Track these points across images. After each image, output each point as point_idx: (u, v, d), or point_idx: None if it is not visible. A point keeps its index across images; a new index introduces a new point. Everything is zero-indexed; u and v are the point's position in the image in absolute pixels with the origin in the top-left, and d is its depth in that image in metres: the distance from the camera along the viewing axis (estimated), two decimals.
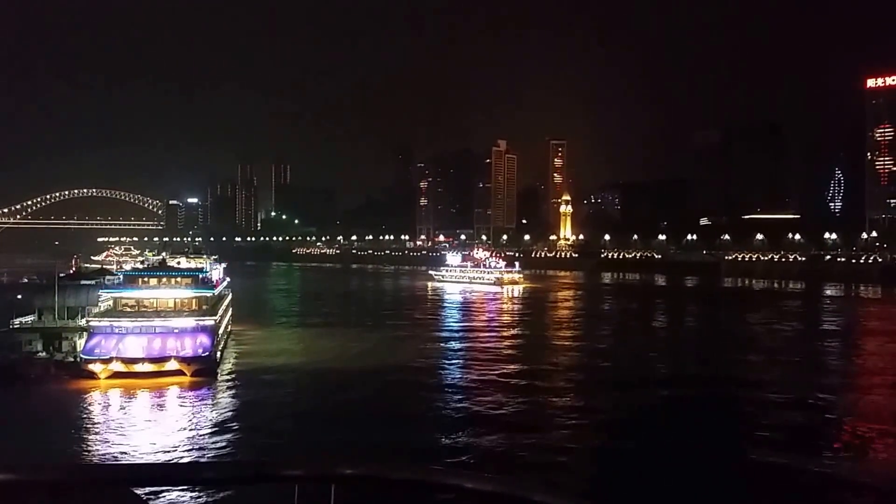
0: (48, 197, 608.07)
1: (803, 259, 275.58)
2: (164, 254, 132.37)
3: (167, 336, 78.10)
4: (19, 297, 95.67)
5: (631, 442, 52.09)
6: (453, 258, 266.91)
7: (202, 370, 74.74)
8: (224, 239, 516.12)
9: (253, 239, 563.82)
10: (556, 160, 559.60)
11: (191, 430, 57.21)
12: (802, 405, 64.13)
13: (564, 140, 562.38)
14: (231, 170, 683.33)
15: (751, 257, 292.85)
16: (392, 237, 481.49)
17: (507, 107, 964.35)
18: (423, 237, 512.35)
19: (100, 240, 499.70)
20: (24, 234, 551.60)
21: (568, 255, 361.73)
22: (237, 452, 50.85)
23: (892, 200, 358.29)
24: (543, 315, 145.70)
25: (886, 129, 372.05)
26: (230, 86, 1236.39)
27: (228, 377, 77.34)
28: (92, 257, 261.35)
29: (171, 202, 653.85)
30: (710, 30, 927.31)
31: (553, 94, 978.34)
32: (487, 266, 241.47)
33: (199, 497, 38.37)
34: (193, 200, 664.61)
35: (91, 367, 73.25)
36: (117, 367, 73.38)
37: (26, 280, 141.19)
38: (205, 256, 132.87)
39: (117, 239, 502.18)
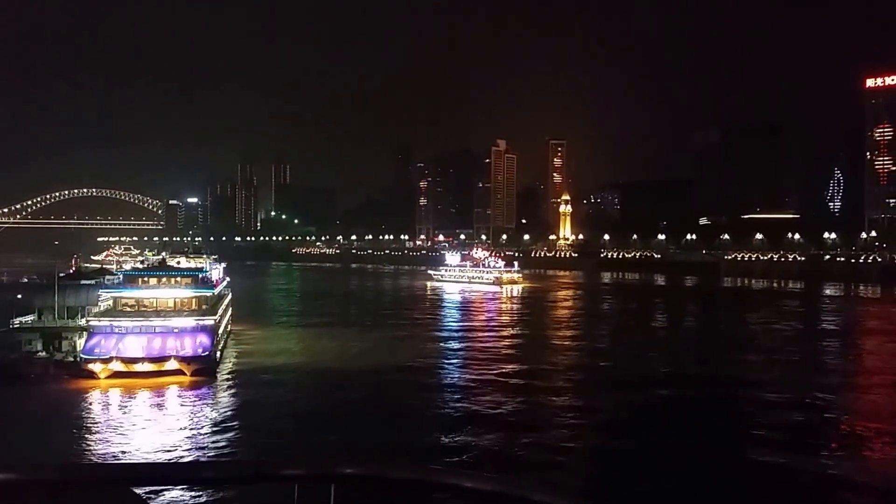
0: (48, 197, 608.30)
1: (803, 259, 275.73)
2: (163, 253, 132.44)
3: (167, 336, 78.21)
4: (19, 296, 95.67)
5: (630, 442, 52.13)
6: (452, 258, 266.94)
7: (202, 370, 74.83)
8: (224, 239, 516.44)
9: (253, 239, 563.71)
10: (555, 160, 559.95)
11: (191, 429, 57.28)
12: (801, 405, 64.16)
13: (564, 140, 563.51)
14: (231, 169, 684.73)
15: (750, 257, 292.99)
16: (392, 237, 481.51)
17: (506, 107, 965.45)
18: (422, 237, 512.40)
19: (100, 239, 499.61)
20: (23, 233, 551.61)
21: (567, 255, 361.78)
22: (237, 452, 50.92)
23: (891, 200, 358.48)
24: (543, 315, 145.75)
25: (886, 129, 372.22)
26: (230, 86, 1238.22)
27: (228, 377, 77.42)
28: (92, 257, 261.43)
29: (170, 202, 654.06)
30: (709, 30, 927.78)
31: (553, 94, 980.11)
32: (487, 266, 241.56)
33: (199, 497, 38.46)
34: (193, 200, 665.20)
35: (91, 366, 73.35)
36: (117, 366, 73.48)
37: (26, 280, 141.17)
38: (204, 256, 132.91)
39: (117, 239, 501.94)
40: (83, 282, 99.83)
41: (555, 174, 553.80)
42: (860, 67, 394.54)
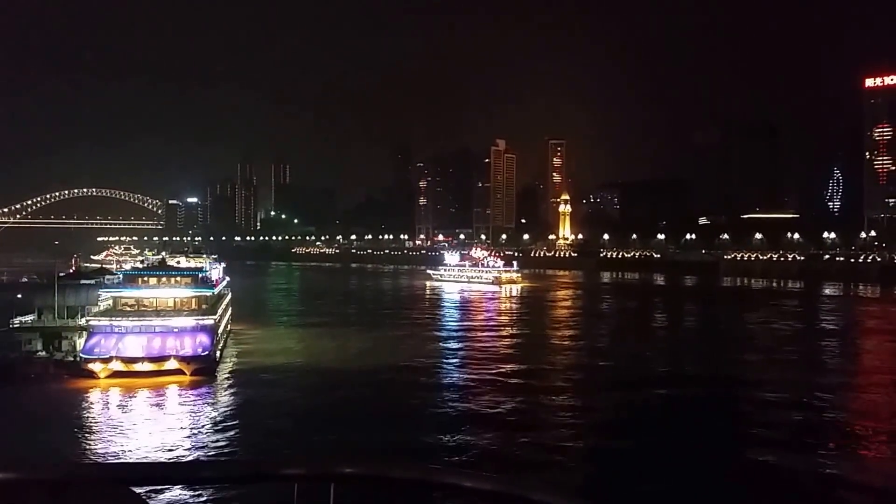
0: (48, 196, 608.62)
1: (802, 258, 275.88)
2: (163, 253, 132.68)
3: (167, 335, 78.33)
4: (19, 296, 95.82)
5: (630, 441, 52.21)
6: (452, 257, 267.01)
7: (202, 369, 74.93)
8: (224, 238, 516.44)
9: (252, 238, 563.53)
10: (555, 160, 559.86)
11: (190, 429, 57.38)
12: (801, 405, 64.23)
13: (563, 140, 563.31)
14: (231, 169, 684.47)
15: (750, 257, 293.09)
16: (391, 237, 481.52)
17: (506, 106, 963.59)
18: (422, 237, 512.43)
19: (99, 239, 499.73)
20: (23, 233, 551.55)
21: (567, 255, 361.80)
22: (237, 452, 51.03)
23: (890, 200, 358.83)
24: (542, 314, 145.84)
25: (885, 129, 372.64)
26: (230, 85, 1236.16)
27: (228, 376, 77.54)
28: (92, 257, 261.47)
29: (170, 202, 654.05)
30: (709, 30, 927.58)
31: (552, 94, 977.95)
32: (486, 265, 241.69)
33: (199, 496, 38.55)
34: (193, 200, 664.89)
35: (91, 366, 73.44)
36: (117, 366, 73.57)
37: (26, 279, 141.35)
38: (204, 256, 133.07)
39: (117, 238, 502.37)
40: (83, 281, 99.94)
41: (554, 174, 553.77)
42: (859, 67, 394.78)
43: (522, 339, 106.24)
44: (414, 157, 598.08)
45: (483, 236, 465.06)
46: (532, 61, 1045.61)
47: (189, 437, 55.12)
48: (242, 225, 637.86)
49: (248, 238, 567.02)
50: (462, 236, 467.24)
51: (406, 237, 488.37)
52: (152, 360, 75.00)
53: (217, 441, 53.52)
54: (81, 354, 75.52)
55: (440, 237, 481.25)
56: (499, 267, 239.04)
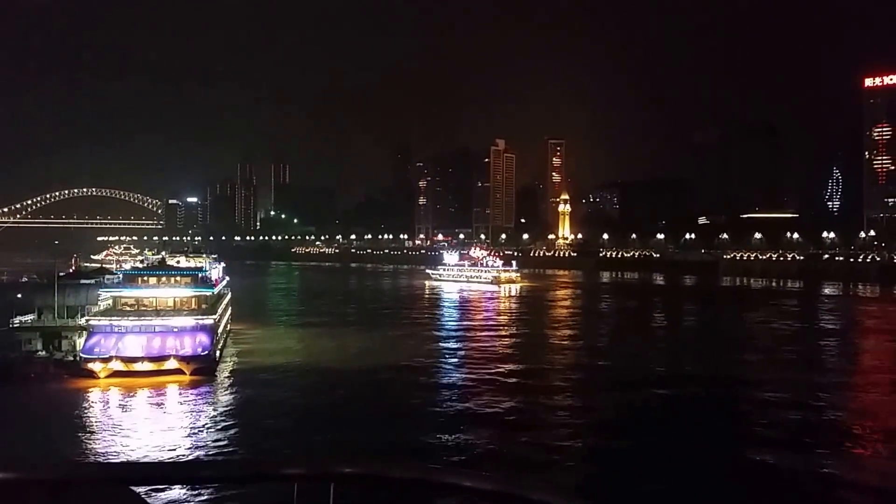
0: (48, 196, 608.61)
1: (801, 258, 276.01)
2: (163, 253, 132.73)
3: (166, 335, 78.42)
4: (19, 296, 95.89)
5: (629, 441, 52.29)
6: (451, 257, 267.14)
7: (201, 369, 75.00)
8: (223, 238, 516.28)
9: (252, 238, 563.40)
10: (554, 159, 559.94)
11: (190, 428, 57.45)
12: (800, 404, 64.28)
13: (563, 139, 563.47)
14: (230, 169, 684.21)
15: (749, 256, 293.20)
16: (391, 236, 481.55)
17: (505, 106, 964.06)
18: (421, 236, 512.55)
19: (99, 239, 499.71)
20: (23, 233, 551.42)
21: (566, 254, 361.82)
22: (236, 451, 51.10)
23: (890, 199, 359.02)
24: (541, 314, 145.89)
25: (884, 129, 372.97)
26: (230, 85, 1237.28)
27: (228, 376, 77.61)
28: (91, 256, 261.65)
29: (170, 201, 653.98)
30: (709, 29, 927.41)
31: (552, 94, 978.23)
32: (485, 265, 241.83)
33: (199, 496, 38.60)
34: (193, 200, 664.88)
35: (91, 366, 73.51)
36: (117, 365, 73.64)
37: (26, 279, 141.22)
38: (204, 255, 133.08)
39: (117, 238, 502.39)
40: (83, 281, 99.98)
41: (554, 173, 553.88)
42: (859, 67, 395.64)
43: (521, 339, 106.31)
44: (414, 157, 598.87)
45: (483, 236, 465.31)
46: (532, 61, 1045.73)
47: (189, 436, 55.19)
48: (242, 225, 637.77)
49: (247, 238, 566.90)
50: (462, 236, 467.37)
51: (406, 237, 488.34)
52: (152, 359, 75.08)
53: (217, 441, 53.59)
54: (81, 354, 75.58)
55: (440, 237, 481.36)
56: (498, 267, 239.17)
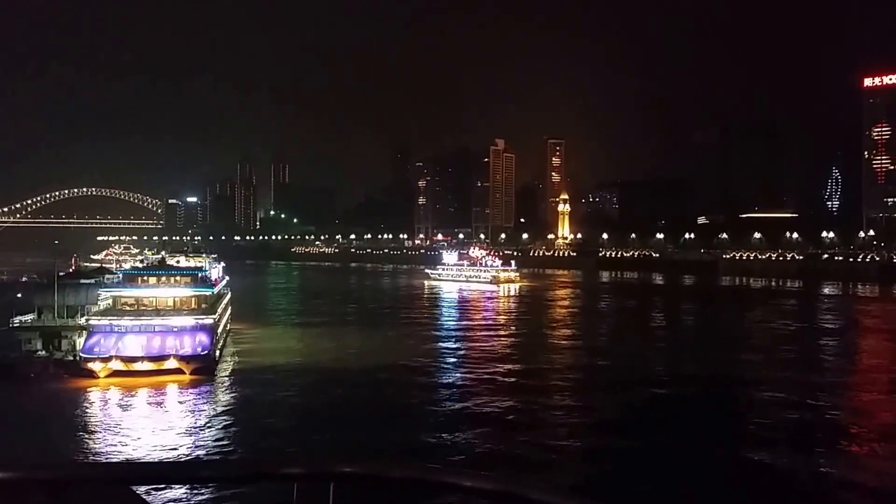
0: (47, 196, 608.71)
1: (801, 258, 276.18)
2: (163, 253, 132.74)
3: (166, 335, 78.50)
4: (19, 295, 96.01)
5: (629, 441, 52.32)
6: (450, 257, 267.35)
7: (201, 368, 75.08)
8: (223, 238, 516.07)
9: (252, 238, 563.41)
10: (553, 159, 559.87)
11: (190, 428, 57.51)
12: (799, 404, 64.33)
13: (562, 139, 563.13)
14: (230, 169, 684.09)
15: (748, 256, 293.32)
16: (391, 236, 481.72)
17: (505, 106, 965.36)
18: (421, 236, 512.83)
19: (99, 239, 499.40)
20: (23, 233, 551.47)
21: (566, 254, 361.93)
22: (236, 451, 51.21)
23: (889, 199, 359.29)
24: (540, 313, 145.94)
25: (884, 129, 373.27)
26: (229, 85, 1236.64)
27: (227, 376, 77.68)
28: (91, 256, 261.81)
29: (170, 201, 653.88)
30: (709, 29, 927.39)
31: (551, 94, 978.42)
32: (484, 265, 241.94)
33: (199, 495, 38.67)
34: (193, 199, 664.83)
35: (90, 365, 73.56)
36: (117, 365, 73.69)
37: (26, 279, 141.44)
38: (204, 255, 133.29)
39: (117, 238, 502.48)
40: (83, 281, 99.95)
41: (553, 173, 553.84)
42: (858, 67, 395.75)
43: (520, 339, 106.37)
44: (413, 157, 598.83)
45: (482, 236, 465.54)
46: (532, 61, 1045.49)
47: (189, 436, 55.25)
48: (242, 224, 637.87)
49: (247, 237, 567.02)
50: (461, 236, 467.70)
51: (405, 237, 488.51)
52: (152, 359, 75.16)
53: (217, 440, 53.70)
54: (81, 354, 75.64)
55: (439, 236, 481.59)
56: (497, 266, 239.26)
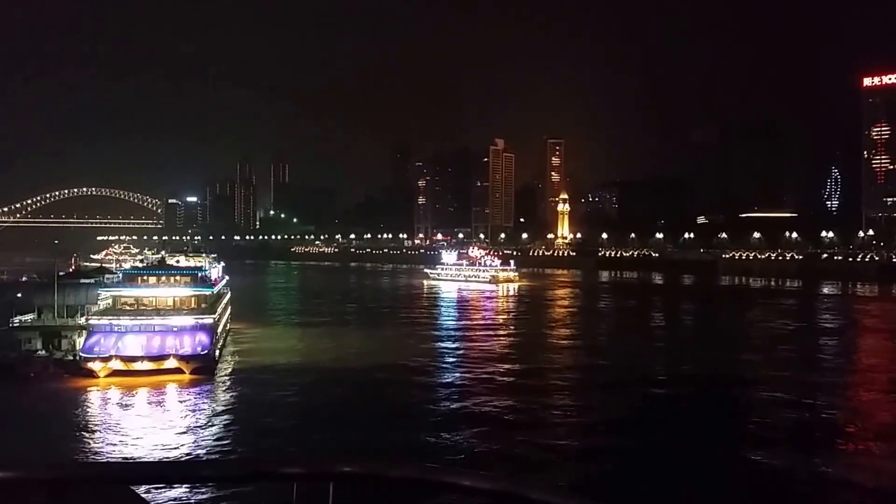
0: (47, 196, 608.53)
1: (800, 257, 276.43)
2: (163, 252, 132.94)
3: (166, 334, 78.58)
4: (19, 295, 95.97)
5: (627, 441, 52.42)
6: (449, 256, 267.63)
7: (201, 368, 75.15)
8: (223, 237, 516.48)
9: (252, 238, 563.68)
10: (553, 159, 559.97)
11: (189, 427, 57.59)
12: (799, 404, 64.45)
13: (562, 139, 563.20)
14: (230, 168, 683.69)
15: (748, 255, 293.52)
16: (390, 236, 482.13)
17: (504, 106, 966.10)
18: (421, 236, 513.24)
19: (99, 239, 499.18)
20: (23, 232, 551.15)
21: (565, 254, 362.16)
22: (236, 450, 51.29)
23: (888, 199, 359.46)
24: (540, 313, 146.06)
25: (883, 128, 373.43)
26: (229, 84, 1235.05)
27: (227, 375, 77.71)
28: (91, 256, 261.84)
29: (170, 201, 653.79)
30: (708, 29, 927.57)
31: (551, 93, 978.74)
32: (483, 264, 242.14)
33: (198, 495, 38.73)
34: (192, 199, 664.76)
35: (90, 365, 73.61)
36: (116, 365, 73.75)
37: (25, 278, 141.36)
38: (204, 255, 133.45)
39: (116, 238, 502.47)
40: (83, 281, 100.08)
41: (553, 173, 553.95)
42: (858, 67, 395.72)
43: (519, 339, 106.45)
44: (413, 157, 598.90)
45: (482, 235, 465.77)
46: (532, 61, 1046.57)
47: (188, 435, 55.33)
48: (242, 224, 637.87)
49: (247, 237, 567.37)
50: (461, 235, 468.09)
51: (405, 236, 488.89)
52: (152, 358, 75.23)
53: (216, 440, 53.79)
54: (81, 353, 75.68)
55: (439, 236, 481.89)
56: (496, 266, 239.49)
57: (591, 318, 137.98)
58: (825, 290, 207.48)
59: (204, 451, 51.14)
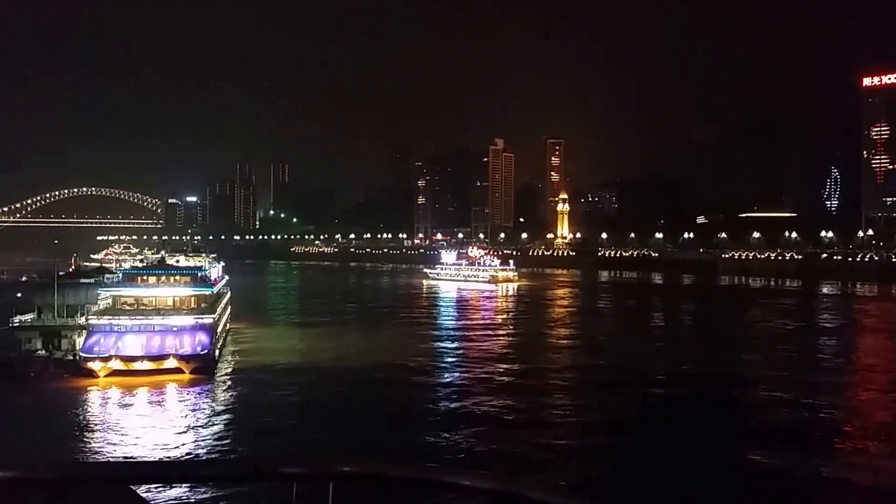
0: (47, 196, 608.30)
1: (800, 257, 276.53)
2: (163, 252, 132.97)
3: (166, 334, 78.63)
4: (19, 295, 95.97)
5: (626, 441, 52.50)
6: (448, 256, 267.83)
7: (201, 368, 75.21)
8: (223, 237, 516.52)
9: (252, 237, 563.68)
10: (553, 159, 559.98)
11: (189, 427, 57.66)
12: (798, 403, 64.55)
13: (562, 139, 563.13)
14: (230, 168, 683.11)
15: (747, 255, 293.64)
16: (390, 236, 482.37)
17: (504, 105, 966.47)
18: (420, 236, 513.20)
19: (99, 238, 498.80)
20: (23, 232, 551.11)
21: (565, 254, 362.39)
22: (235, 450, 51.36)
23: (888, 199, 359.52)
24: (539, 313, 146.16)
25: (882, 128, 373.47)
26: (229, 84, 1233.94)
27: (227, 375, 77.78)
28: (91, 256, 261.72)
29: (170, 201, 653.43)
30: (708, 29, 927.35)
31: (550, 93, 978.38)
32: (482, 264, 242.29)
33: (198, 494, 38.80)
34: (192, 199, 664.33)
35: (90, 365, 73.67)
36: (116, 365, 73.81)
37: (25, 278, 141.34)
38: (203, 255, 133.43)
39: (116, 237, 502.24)
40: (82, 280, 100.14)
41: (552, 173, 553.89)
42: (858, 66, 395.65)
43: (519, 338, 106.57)
44: (413, 157, 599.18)
45: (482, 235, 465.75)
46: (531, 61, 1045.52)
47: (188, 435, 55.42)
48: (241, 224, 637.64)
49: (247, 237, 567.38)
50: (461, 235, 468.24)
51: (405, 236, 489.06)
52: (151, 358, 75.29)
53: (216, 439, 53.86)
54: (81, 353, 75.73)
55: (439, 236, 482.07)
56: (495, 266, 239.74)
57: (590, 318, 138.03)
58: (825, 290, 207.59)
59: (204, 450, 51.21)
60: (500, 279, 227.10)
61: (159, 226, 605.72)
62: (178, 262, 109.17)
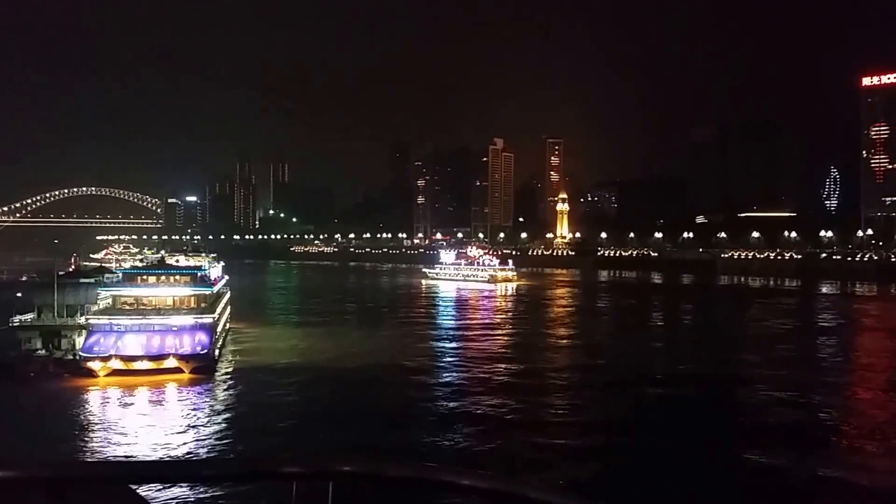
0: (47, 195, 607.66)
1: (799, 257, 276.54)
2: (162, 252, 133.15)
3: (166, 334, 78.74)
4: (19, 295, 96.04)
5: (625, 440, 52.62)
6: (447, 256, 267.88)
7: (200, 368, 75.32)
8: (223, 237, 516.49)
9: (251, 237, 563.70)
10: (552, 158, 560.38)
11: (189, 427, 57.75)
12: (796, 403, 64.64)
13: (561, 138, 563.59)
14: (230, 168, 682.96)
15: (747, 255, 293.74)
16: (389, 235, 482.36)
17: (503, 105, 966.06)
18: (420, 235, 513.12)
19: (99, 238, 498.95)
20: (23, 232, 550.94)
21: (565, 253, 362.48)
22: (235, 450, 51.44)
23: (887, 198, 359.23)
24: (538, 312, 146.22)
25: (882, 128, 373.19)
26: (229, 84, 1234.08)
27: (226, 375, 77.85)
28: (91, 255, 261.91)
29: (169, 200, 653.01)
30: (707, 28, 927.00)
31: (550, 93, 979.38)
32: (481, 264, 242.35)
33: (198, 494, 38.89)
34: (192, 199, 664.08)
35: (90, 364, 73.77)
36: (116, 364, 73.91)
37: (25, 278, 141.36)
38: (203, 254, 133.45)
39: (116, 237, 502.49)
40: (82, 280, 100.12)
41: (552, 172, 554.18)
42: (857, 66, 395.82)
43: (518, 338, 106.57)
44: (412, 156, 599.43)
45: (481, 235, 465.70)
46: (531, 61, 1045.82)
47: (188, 434, 55.51)
48: (241, 224, 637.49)
49: (246, 237, 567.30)
50: (460, 235, 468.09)
51: (404, 236, 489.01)
52: (151, 358, 75.39)
53: (216, 439, 53.95)
54: (81, 353, 75.81)
55: (438, 236, 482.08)
56: (494, 265, 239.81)
57: (589, 318, 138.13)
58: (824, 290, 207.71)
59: (203, 450, 51.32)
60: (500, 279, 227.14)
61: (159, 225, 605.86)
62: (177, 261, 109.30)
